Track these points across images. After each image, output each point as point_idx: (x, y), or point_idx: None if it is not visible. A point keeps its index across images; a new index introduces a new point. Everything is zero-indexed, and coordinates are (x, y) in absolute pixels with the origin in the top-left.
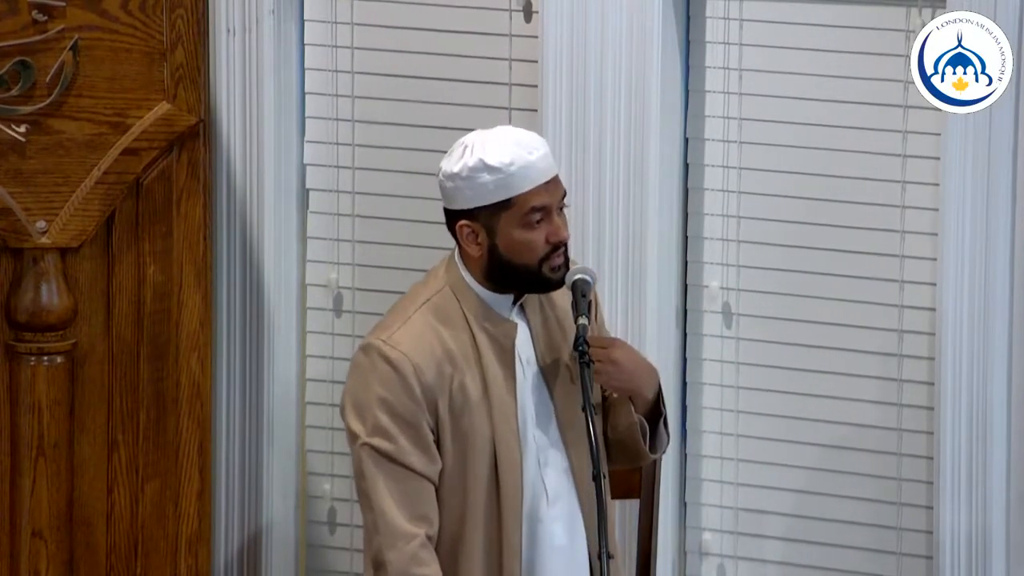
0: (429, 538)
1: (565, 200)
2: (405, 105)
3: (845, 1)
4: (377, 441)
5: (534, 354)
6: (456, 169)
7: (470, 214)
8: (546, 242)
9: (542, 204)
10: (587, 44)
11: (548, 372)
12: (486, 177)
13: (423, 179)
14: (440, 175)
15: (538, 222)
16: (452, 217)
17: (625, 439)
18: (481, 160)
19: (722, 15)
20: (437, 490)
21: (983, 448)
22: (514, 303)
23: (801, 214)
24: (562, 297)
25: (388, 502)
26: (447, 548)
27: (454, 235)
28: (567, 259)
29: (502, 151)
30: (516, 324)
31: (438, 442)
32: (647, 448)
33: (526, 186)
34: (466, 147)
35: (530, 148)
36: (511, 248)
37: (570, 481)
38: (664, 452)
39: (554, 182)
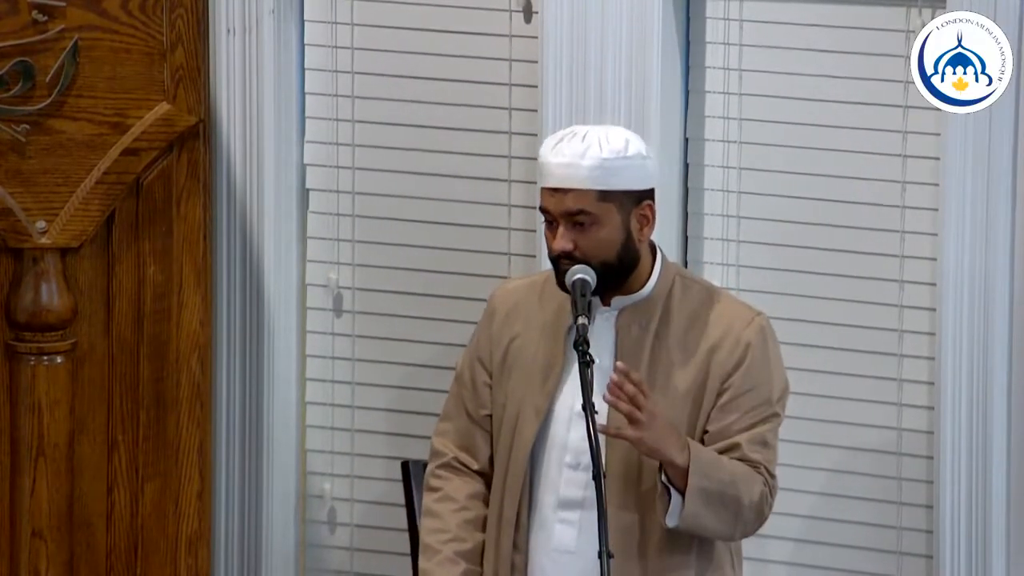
0: (459, 462)
1: (581, 219)
2: (405, 105)
3: (845, 1)
4: (458, 364)
5: (611, 362)
6: None
7: None
8: (553, 247)
9: (544, 206)
10: (587, 45)
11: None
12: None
13: (423, 179)
14: None
15: (547, 222)
16: None
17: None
18: None
19: (722, 15)
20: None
21: (983, 448)
22: (605, 304)
23: (801, 214)
24: (682, 348)
25: (441, 424)
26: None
27: None
28: (593, 275)
29: (547, 142)
30: (580, 317)
31: (492, 391)
32: (663, 516)
33: (541, 183)
34: None
35: (557, 150)
36: None
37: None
38: (697, 527)
39: (563, 193)
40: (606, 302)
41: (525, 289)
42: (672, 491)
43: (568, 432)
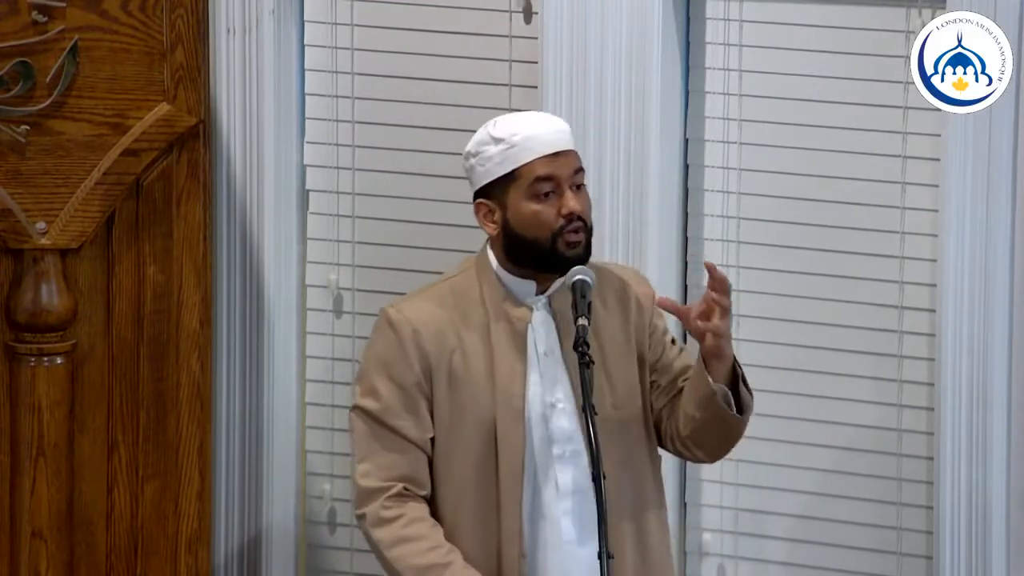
0: (407, 490)
1: (581, 178)
2: (405, 106)
3: (845, 2)
4: (368, 402)
5: (558, 347)
6: (468, 147)
7: (484, 192)
8: (558, 215)
9: (547, 174)
10: (587, 45)
11: (572, 367)
12: (492, 149)
13: (423, 180)
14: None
15: (546, 194)
16: (474, 199)
17: (709, 416)
18: (488, 133)
19: (722, 16)
20: (431, 460)
21: (983, 448)
22: (539, 292)
23: (801, 215)
24: (607, 312)
25: (365, 465)
26: (447, 526)
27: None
28: (588, 242)
29: (509, 123)
30: (532, 310)
31: (432, 412)
32: (735, 411)
33: (530, 156)
34: (484, 126)
35: (540, 122)
36: (521, 222)
37: (588, 478)
38: (751, 411)
39: (564, 155)
40: (542, 290)
41: (433, 305)
42: (718, 388)
43: (547, 424)
